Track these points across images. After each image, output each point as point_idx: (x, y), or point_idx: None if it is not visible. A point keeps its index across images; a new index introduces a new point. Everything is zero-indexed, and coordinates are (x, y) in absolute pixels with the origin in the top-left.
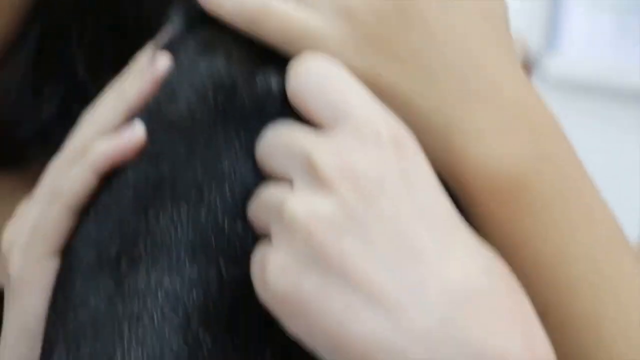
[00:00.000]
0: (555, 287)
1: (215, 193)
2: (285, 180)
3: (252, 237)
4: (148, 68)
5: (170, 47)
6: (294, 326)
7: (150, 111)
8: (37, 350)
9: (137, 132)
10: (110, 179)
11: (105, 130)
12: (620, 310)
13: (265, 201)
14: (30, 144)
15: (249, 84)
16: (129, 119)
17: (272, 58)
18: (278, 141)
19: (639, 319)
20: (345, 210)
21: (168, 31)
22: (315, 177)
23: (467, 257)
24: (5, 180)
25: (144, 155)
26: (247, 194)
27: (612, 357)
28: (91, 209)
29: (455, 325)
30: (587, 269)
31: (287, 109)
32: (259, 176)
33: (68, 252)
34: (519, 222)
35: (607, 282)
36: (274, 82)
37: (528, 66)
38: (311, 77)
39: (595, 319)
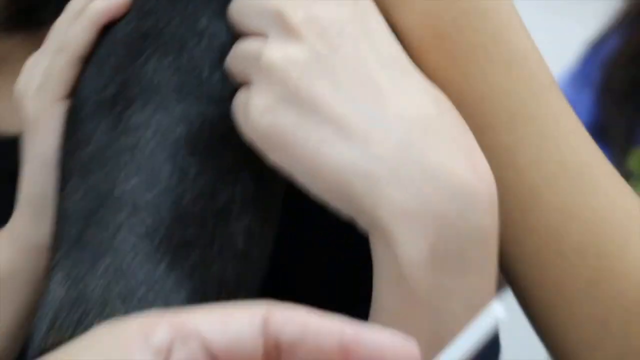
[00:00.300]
0: (475, 124)
1: (194, 45)
2: (259, 35)
3: (228, 85)
4: None
5: None
6: (275, 157)
7: None
8: (52, 178)
9: None
10: (106, 33)
11: None
12: (534, 140)
13: (244, 53)
14: (47, 4)
15: None
16: None
17: None
18: (249, 2)
19: (561, 144)
20: (314, 55)
21: None
22: (286, 29)
23: (419, 91)
24: (23, 43)
25: (133, 11)
26: (222, 49)
27: (526, 184)
28: (91, 59)
29: (412, 149)
30: (505, 106)
31: None
32: (233, 35)
33: (74, 97)
34: (443, 69)
35: (525, 116)
36: None
37: None
38: None
39: (512, 150)
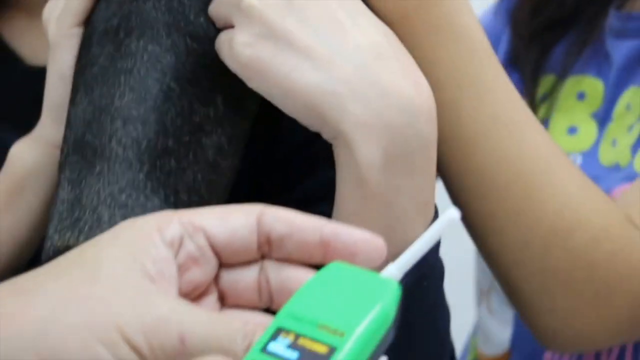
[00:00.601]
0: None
1: None
2: None
3: (209, 27)
4: None
5: None
6: (255, 83)
7: None
8: (68, 89)
9: None
10: None
11: None
12: (473, 98)
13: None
14: None
15: None
16: None
17: None
18: None
19: (496, 102)
20: None
21: None
22: None
23: (371, 26)
24: None
25: None
26: None
27: (466, 134)
28: None
29: (367, 71)
30: (451, 71)
31: None
32: None
33: (88, 24)
34: (404, 40)
35: (466, 79)
36: None
37: None
38: None
39: (456, 106)
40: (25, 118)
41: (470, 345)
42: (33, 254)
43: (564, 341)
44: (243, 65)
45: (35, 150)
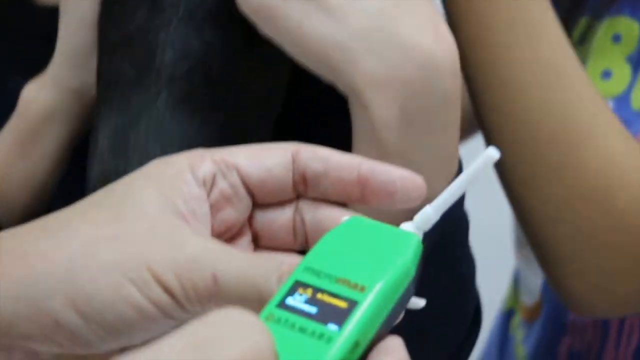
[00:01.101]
0: (481, 24)
1: None
2: None
3: None
4: None
5: None
6: (267, 29)
7: None
8: (88, 35)
9: None
10: None
11: None
12: (529, 41)
13: None
14: None
15: None
16: None
17: None
18: None
19: (547, 47)
20: None
21: None
22: None
23: None
24: None
25: None
26: None
27: (515, 79)
28: None
29: (383, 23)
30: (505, 12)
31: None
32: None
33: None
34: None
35: (519, 20)
36: None
37: None
38: None
39: (508, 47)
40: (31, 59)
41: (511, 292)
42: (50, 200)
43: (590, 307)
44: (253, 10)
45: (50, 93)
